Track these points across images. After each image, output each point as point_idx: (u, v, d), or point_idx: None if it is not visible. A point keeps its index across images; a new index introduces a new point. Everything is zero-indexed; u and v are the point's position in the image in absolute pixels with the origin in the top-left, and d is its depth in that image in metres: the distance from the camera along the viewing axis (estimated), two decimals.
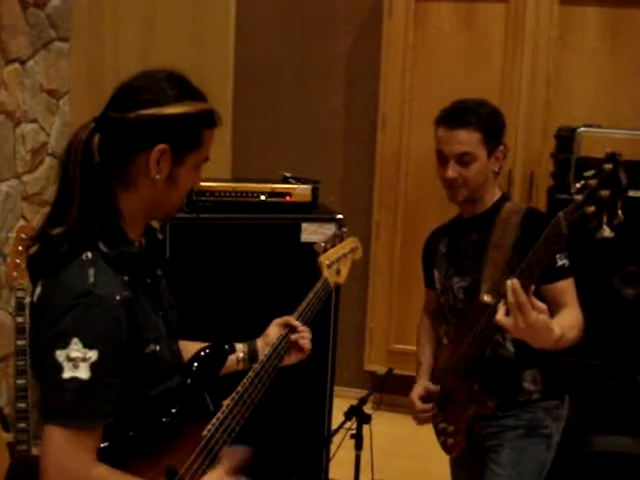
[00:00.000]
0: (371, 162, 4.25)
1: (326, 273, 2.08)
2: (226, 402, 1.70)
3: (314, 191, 2.96)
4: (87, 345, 1.40)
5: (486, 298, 2.13)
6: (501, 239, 2.18)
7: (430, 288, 2.49)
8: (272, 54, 4.41)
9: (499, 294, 2.04)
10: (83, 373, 1.39)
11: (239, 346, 1.96)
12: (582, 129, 3.07)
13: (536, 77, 3.91)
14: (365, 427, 2.53)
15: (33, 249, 1.51)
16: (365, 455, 2.58)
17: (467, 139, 2.16)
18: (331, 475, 3.15)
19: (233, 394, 1.72)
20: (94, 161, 1.49)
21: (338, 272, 2.14)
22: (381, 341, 4.29)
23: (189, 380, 1.66)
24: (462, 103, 2.23)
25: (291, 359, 1.97)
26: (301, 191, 2.95)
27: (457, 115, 2.18)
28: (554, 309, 2.06)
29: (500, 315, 1.87)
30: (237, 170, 4.40)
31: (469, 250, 2.28)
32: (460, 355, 2.21)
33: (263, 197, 2.93)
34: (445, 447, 2.37)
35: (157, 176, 1.51)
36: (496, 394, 2.19)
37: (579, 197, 1.77)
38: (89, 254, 1.46)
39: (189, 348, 1.78)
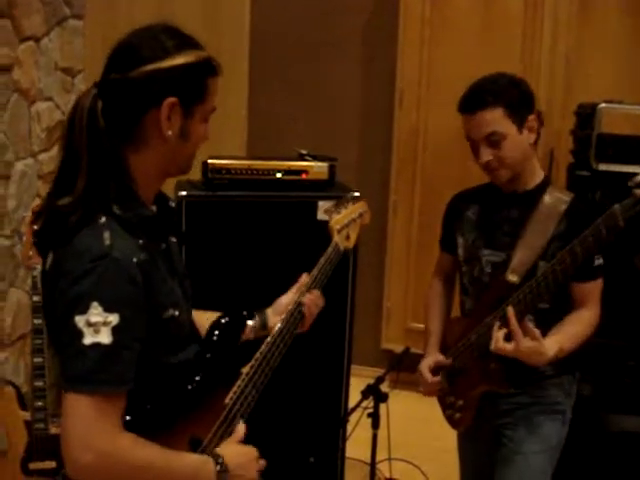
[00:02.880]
0: (388, 138, 4.22)
1: (337, 238, 2.06)
2: (246, 369, 1.70)
3: (331, 169, 2.92)
4: (107, 309, 1.37)
5: (511, 277, 2.11)
6: (542, 224, 2.13)
7: (447, 252, 2.42)
8: (288, 30, 4.38)
9: (527, 275, 2.09)
10: (105, 338, 1.36)
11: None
12: (603, 105, 3.02)
13: (556, 53, 3.85)
14: (382, 406, 2.53)
15: (39, 223, 1.49)
16: (382, 434, 2.57)
17: (489, 119, 2.09)
18: (348, 454, 3.15)
19: (252, 361, 1.71)
20: (100, 126, 1.46)
21: (347, 237, 2.12)
22: (398, 319, 4.28)
23: (211, 348, 1.65)
24: (476, 84, 2.16)
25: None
26: (318, 169, 2.92)
27: (473, 98, 2.13)
28: (575, 305, 2.18)
29: (493, 342, 2.06)
30: (253, 147, 4.38)
31: (506, 226, 2.21)
32: (479, 333, 2.19)
33: (279, 175, 2.89)
34: (451, 421, 2.36)
35: (169, 132, 1.48)
36: (511, 371, 2.17)
37: (639, 192, 1.76)
38: (103, 218, 1.43)
39: (198, 317, 1.76)
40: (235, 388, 1.66)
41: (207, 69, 1.53)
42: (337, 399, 3.05)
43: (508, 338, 2.05)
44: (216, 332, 1.68)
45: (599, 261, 2.14)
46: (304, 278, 1.96)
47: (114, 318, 1.37)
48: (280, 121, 4.41)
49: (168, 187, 2.82)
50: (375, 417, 2.53)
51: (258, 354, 1.73)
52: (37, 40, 3.33)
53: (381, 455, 2.72)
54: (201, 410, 1.59)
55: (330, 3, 4.32)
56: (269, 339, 1.78)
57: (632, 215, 1.79)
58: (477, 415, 2.28)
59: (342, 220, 2.11)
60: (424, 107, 4.05)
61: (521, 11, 3.88)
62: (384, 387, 2.53)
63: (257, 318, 1.95)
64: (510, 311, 2.04)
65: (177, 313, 1.53)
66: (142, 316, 1.43)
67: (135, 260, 1.42)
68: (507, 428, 2.25)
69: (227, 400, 1.64)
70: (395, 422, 2.66)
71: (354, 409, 2.57)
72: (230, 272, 2.87)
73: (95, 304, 1.36)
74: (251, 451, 1.62)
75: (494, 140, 2.10)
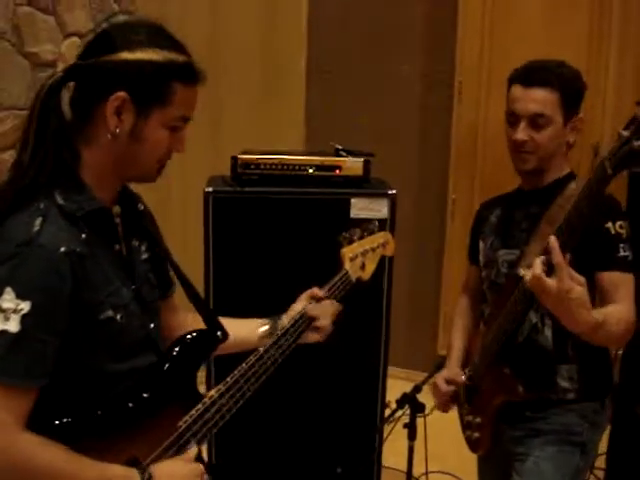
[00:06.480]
0: (447, 134, 4.04)
1: (347, 266, 1.96)
2: (210, 393, 1.57)
3: (366, 164, 2.76)
4: (20, 295, 1.30)
5: (522, 271, 1.92)
6: (557, 214, 1.94)
7: (474, 264, 2.30)
8: (345, 21, 4.27)
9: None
10: (12, 326, 1.30)
11: (262, 321, 1.86)
12: None
13: (628, 34, 3.57)
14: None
15: None
16: (420, 444, 2.41)
17: (544, 99, 1.96)
18: (385, 463, 2.99)
19: (220, 385, 1.59)
20: (53, 107, 1.41)
21: (363, 266, 2.00)
22: None
23: (167, 364, 1.53)
24: (541, 62, 2.04)
25: (308, 338, 1.85)
26: (351, 164, 2.76)
27: (536, 72, 1.99)
28: (603, 301, 1.87)
29: (532, 270, 1.66)
30: (311, 145, 4.29)
31: (524, 223, 2.08)
32: (491, 336, 2.02)
33: (311, 170, 2.75)
34: (470, 442, 2.22)
35: (117, 129, 1.41)
36: (527, 387, 1.99)
37: (626, 132, 1.56)
38: (42, 204, 1.37)
39: (231, 325, 1.68)
40: (193, 412, 1.53)
41: (176, 73, 1.43)
42: (374, 406, 2.89)
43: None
44: (177, 348, 1.56)
45: (626, 252, 1.89)
46: (315, 290, 1.90)
47: (26, 306, 1.30)
48: (338, 117, 4.30)
49: (199, 183, 2.74)
50: (411, 428, 2.38)
51: (229, 378, 1.61)
52: (81, 36, 3.33)
53: (418, 466, 2.56)
54: (147, 429, 1.46)
55: None
56: (244, 365, 1.64)
57: (621, 157, 1.57)
58: (494, 439, 2.12)
59: (356, 248, 2.01)
60: (484, 101, 3.86)
61: None
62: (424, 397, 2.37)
63: (268, 325, 1.86)
64: (553, 240, 1.64)
65: (119, 316, 1.44)
66: (62, 308, 1.35)
67: (63, 249, 1.34)
68: (517, 459, 2.08)
69: (180, 423, 1.51)
70: (436, 432, 2.50)
71: (387, 419, 2.43)
72: (259, 271, 2.77)
73: (9, 289, 1.30)
74: (190, 470, 1.48)
75: (539, 122, 1.97)
